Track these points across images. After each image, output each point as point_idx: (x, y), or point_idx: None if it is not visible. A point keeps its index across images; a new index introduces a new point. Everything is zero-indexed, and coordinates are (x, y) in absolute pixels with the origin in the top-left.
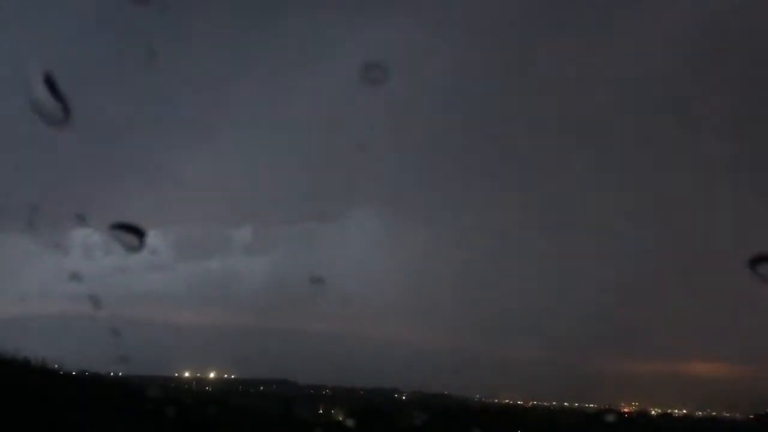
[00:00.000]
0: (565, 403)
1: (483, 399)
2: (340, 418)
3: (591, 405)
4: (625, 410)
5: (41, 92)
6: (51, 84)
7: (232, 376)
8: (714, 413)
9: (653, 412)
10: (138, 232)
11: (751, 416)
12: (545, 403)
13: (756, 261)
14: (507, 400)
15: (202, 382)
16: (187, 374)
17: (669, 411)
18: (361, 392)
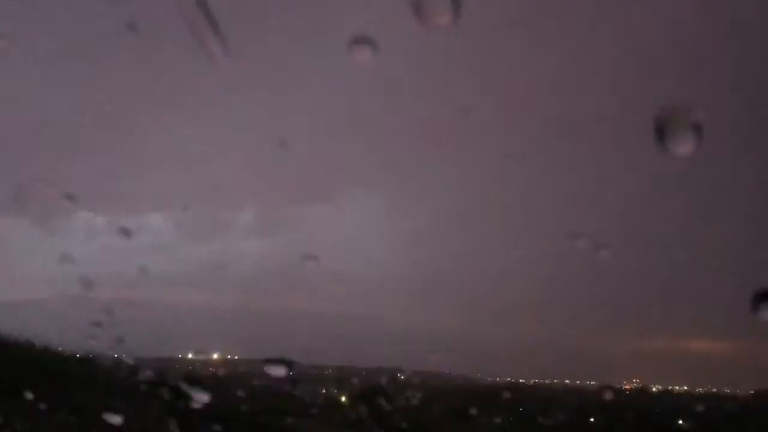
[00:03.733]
0: (567, 381)
1: (485, 378)
2: (343, 399)
3: (592, 383)
4: (626, 387)
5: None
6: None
7: (236, 357)
8: (714, 389)
9: (654, 389)
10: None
11: (752, 392)
12: (546, 381)
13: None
14: (509, 378)
15: (206, 363)
16: (190, 355)
17: (669, 388)
18: (364, 372)
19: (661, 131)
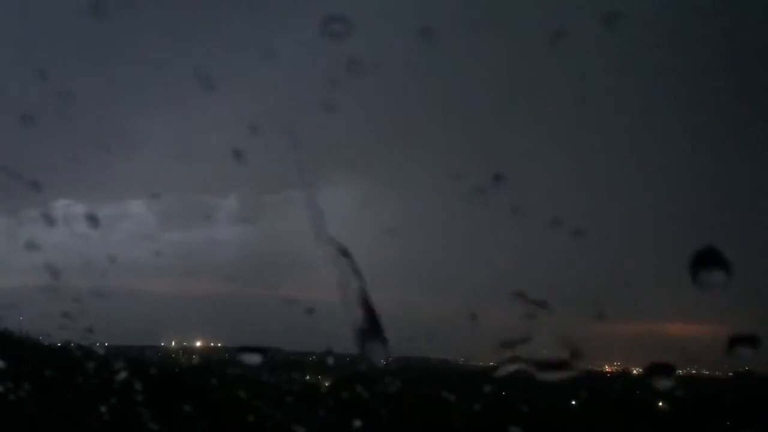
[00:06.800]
0: (550, 361)
1: (466, 363)
2: (327, 384)
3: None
4: (607, 370)
5: None
6: None
7: (219, 345)
8: (694, 371)
9: (635, 372)
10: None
11: (731, 373)
12: (529, 362)
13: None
14: (491, 363)
15: (189, 351)
16: (173, 343)
17: None
18: (347, 359)
19: None
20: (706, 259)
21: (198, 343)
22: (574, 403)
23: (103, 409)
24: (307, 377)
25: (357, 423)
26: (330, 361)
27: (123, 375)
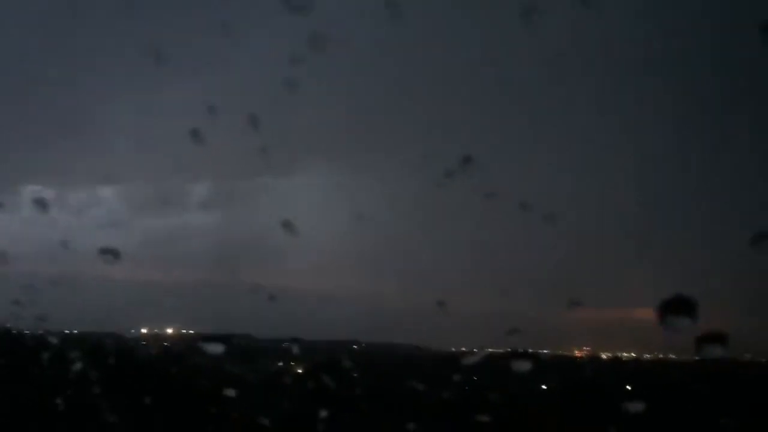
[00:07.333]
0: (519, 350)
1: (437, 348)
2: (300, 371)
3: (544, 351)
4: (577, 355)
5: None
6: None
7: (190, 332)
8: (661, 356)
9: (604, 357)
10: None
11: (697, 357)
12: (500, 350)
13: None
14: (462, 348)
15: (160, 337)
16: (144, 330)
17: (619, 355)
18: (321, 345)
19: None
20: (675, 308)
21: (169, 330)
22: (544, 387)
23: (58, 400)
24: (280, 364)
25: (323, 413)
26: (296, 350)
27: (78, 365)
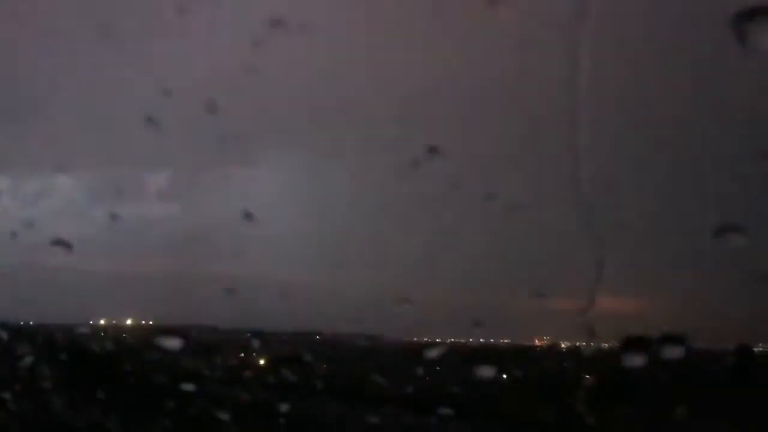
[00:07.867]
0: (481, 339)
1: (400, 338)
2: (261, 362)
3: (506, 341)
4: (537, 344)
5: None
6: None
7: (150, 323)
8: (618, 345)
9: (563, 346)
10: None
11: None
12: (462, 341)
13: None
14: (426, 339)
15: (119, 329)
16: (102, 322)
17: (578, 344)
18: (284, 336)
19: None
20: (634, 345)
21: (128, 321)
22: (505, 377)
23: (7, 396)
24: (241, 355)
25: (284, 408)
26: (256, 343)
27: (28, 360)
